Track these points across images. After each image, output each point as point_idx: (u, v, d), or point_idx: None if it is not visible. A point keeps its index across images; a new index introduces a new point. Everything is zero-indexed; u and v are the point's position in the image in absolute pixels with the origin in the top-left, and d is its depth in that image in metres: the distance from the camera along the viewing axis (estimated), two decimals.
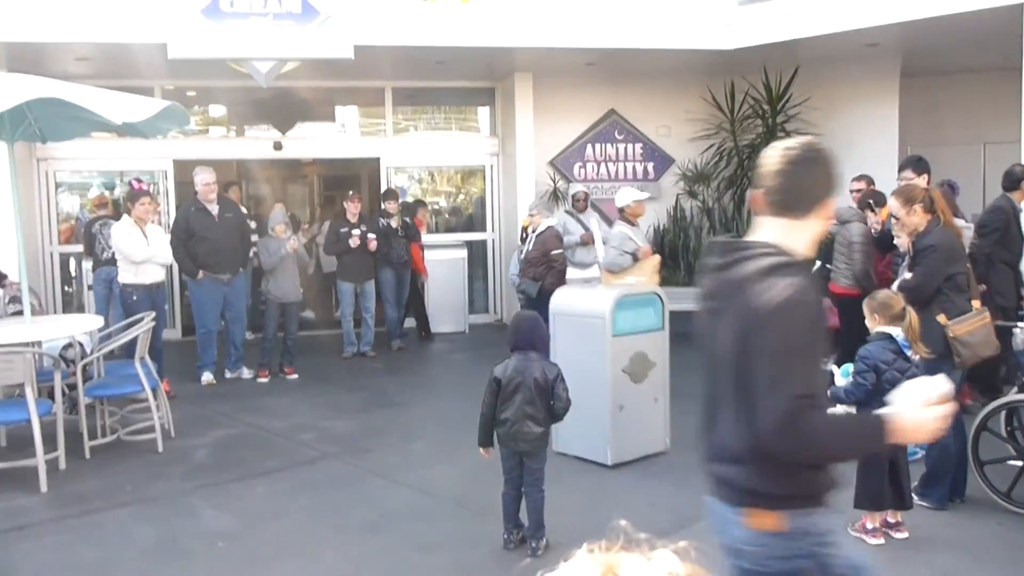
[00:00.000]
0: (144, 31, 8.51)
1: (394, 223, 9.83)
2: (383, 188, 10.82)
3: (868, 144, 10.64)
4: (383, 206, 10.02)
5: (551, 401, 4.35)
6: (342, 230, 9.46)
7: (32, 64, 8.47)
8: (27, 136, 6.70)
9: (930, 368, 4.77)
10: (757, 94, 11.16)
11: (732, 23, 9.83)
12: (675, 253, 11.17)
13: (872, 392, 4.25)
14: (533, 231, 8.39)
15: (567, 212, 9.46)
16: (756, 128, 11.27)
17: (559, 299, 6.19)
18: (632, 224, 7.98)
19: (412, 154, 11.92)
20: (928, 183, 6.92)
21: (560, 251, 8.31)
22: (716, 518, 2.34)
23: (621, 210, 8.02)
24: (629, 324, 5.83)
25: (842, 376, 4.56)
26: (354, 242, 9.30)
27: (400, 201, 10.45)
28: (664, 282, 9.87)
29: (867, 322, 4.51)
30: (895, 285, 5.18)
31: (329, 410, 7.50)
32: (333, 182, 14.20)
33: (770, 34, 9.57)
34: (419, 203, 11.02)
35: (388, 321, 10.12)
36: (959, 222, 6.18)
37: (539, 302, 7.34)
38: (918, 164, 7.01)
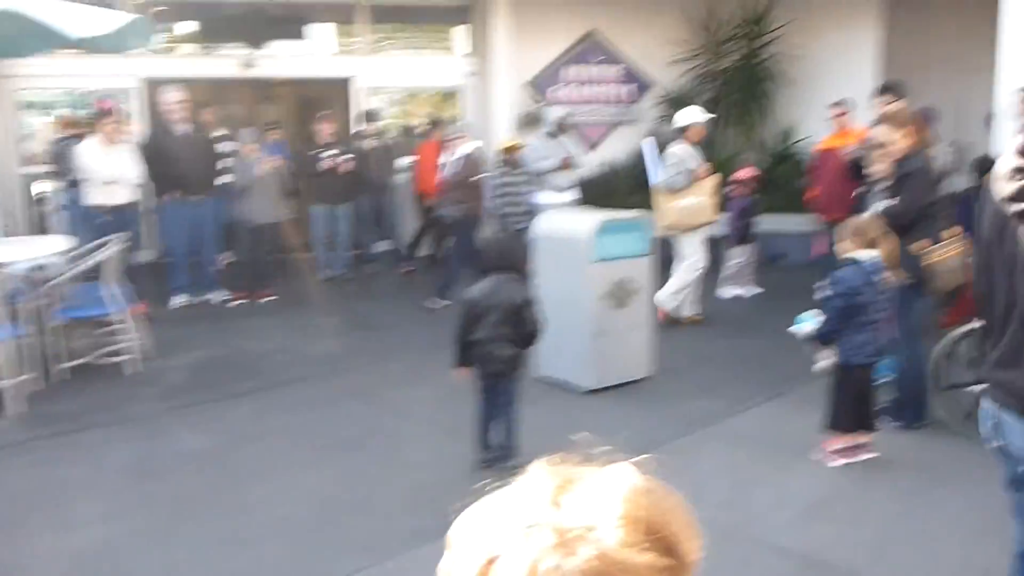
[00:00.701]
0: None
1: (366, 145, 9.67)
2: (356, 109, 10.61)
3: (850, 69, 10.52)
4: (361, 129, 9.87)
5: (524, 323, 4.35)
6: (314, 152, 9.32)
7: None
8: None
9: (903, 295, 4.83)
10: (738, 17, 10.96)
11: None
12: None
13: (848, 315, 4.29)
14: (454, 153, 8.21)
15: (547, 134, 9.31)
16: (737, 51, 11.11)
17: (542, 223, 6.15)
18: (694, 144, 7.64)
19: (386, 75, 11.68)
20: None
21: (480, 176, 8.24)
22: (997, 425, 2.37)
23: (682, 129, 7.67)
24: (612, 250, 5.79)
25: (800, 323, 4.58)
26: (327, 164, 9.17)
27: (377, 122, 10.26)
28: (642, 206, 9.84)
29: (839, 246, 4.52)
30: (877, 209, 5.16)
31: (305, 333, 7.49)
32: (305, 103, 13.90)
33: None
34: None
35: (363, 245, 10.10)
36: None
37: (461, 228, 7.29)
38: (894, 90, 6.97)
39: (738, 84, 10.93)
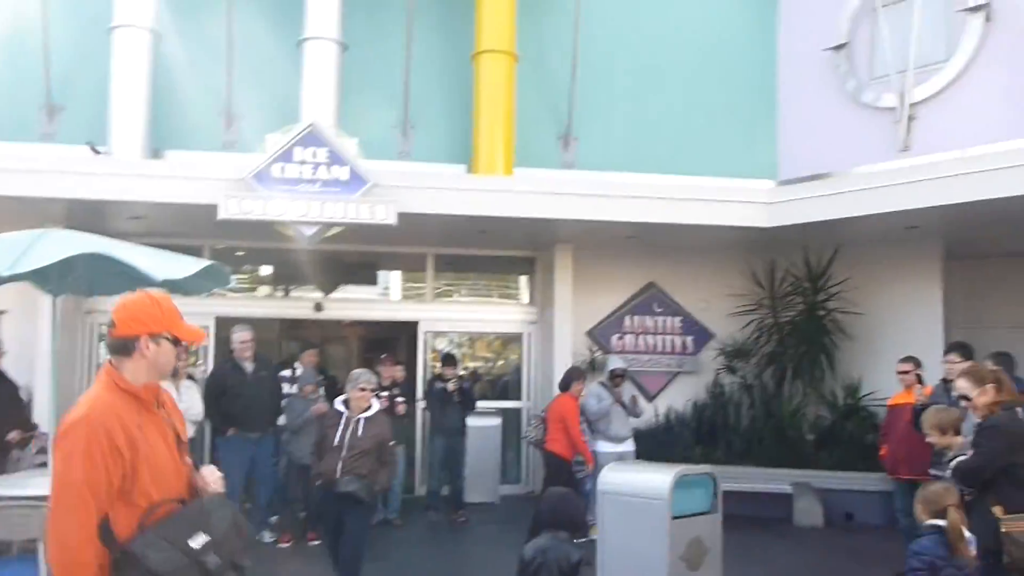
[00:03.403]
0: (198, 192, 8.83)
1: (451, 387, 9.73)
2: (419, 351, 10.79)
3: (911, 325, 10.49)
4: (441, 371, 9.98)
5: None
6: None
7: (89, 221, 8.80)
8: (73, 289, 6.83)
9: (983, 569, 4.47)
10: (797, 271, 11.15)
11: (771, 202, 9.96)
12: (714, 430, 10.89)
13: None
14: (357, 413, 6.33)
15: (600, 384, 9.31)
16: (797, 305, 11.19)
17: (608, 477, 5.93)
18: None
19: (451, 319, 11.99)
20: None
21: (394, 443, 7.00)
22: None
23: None
24: (685, 505, 5.52)
25: None
26: (383, 403, 9.20)
27: (458, 367, 10.38)
28: (703, 459, 9.60)
29: (917, 515, 4.25)
30: (952, 464, 4.91)
31: None
32: (372, 344, 14.28)
33: (808, 214, 9.64)
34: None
35: (429, 490, 9.93)
36: None
37: (368, 508, 6.31)
38: (963, 349, 6.87)
39: (800, 337, 10.91)
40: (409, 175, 9.78)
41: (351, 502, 6.07)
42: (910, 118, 10.09)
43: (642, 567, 5.25)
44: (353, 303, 11.92)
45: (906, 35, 10.11)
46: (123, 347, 2.82)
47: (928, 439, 5.22)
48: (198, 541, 2.66)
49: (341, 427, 6.25)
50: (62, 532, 2.62)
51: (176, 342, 2.89)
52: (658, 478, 5.52)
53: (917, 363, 7.99)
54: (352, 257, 11.42)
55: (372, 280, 12.27)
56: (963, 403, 4.90)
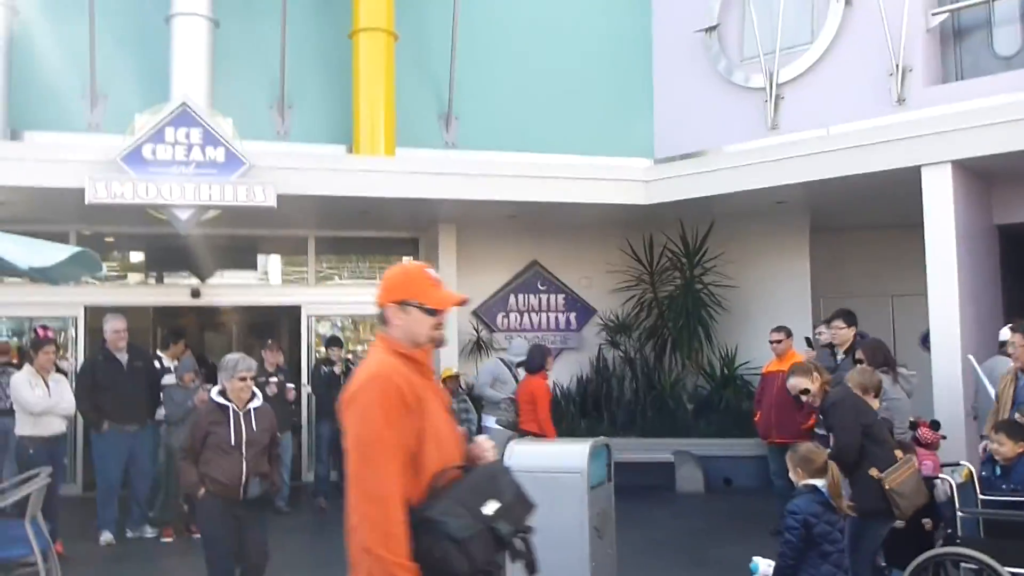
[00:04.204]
0: (62, 176, 8.41)
1: (337, 370, 9.60)
2: (303, 336, 10.62)
3: (782, 296, 10.99)
4: (327, 354, 9.82)
5: None
6: (259, 379, 9.20)
7: None
8: None
9: (859, 525, 4.78)
10: (675, 247, 11.49)
11: (648, 180, 10.24)
12: (598, 403, 11.16)
13: (806, 547, 4.17)
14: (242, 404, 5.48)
15: (502, 360, 9.40)
16: (674, 280, 11.55)
17: (517, 453, 5.93)
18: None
19: (334, 302, 11.83)
20: (855, 335, 7.13)
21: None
22: None
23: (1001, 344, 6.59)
24: (593, 476, 5.52)
25: (755, 570, 4.44)
26: (271, 390, 9.03)
27: (344, 350, 10.24)
28: (588, 432, 9.82)
29: (791, 475, 4.47)
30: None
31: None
32: (253, 330, 13.95)
33: (685, 191, 9.97)
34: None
35: (317, 476, 9.79)
36: (902, 370, 6.33)
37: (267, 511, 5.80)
38: (848, 316, 7.25)
39: (678, 311, 11.27)
40: (288, 156, 9.56)
41: (256, 507, 5.38)
42: (777, 98, 10.50)
43: (562, 539, 5.28)
44: (232, 288, 11.60)
45: (773, 18, 10.50)
46: (381, 317, 2.85)
47: None
48: (490, 508, 2.60)
49: (231, 424, 5.32)
50: (372, 488, 2.52)
51: (431, 311, 2.80)
52: (574, 451, 5.59)
53: (788, 332, 8.38)
54: (230, 241, 11.10)
55: (251, 264, 11.97)
56: (804, 398, 5.17)
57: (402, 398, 2.59)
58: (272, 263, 12.12)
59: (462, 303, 2.99)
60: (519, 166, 10.10)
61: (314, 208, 9.95)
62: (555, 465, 5.49)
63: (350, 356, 10.57)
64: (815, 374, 5.19)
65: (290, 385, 9.20)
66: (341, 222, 11.05)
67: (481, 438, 2.91)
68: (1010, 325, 6.28)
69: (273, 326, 13.20)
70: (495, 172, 9.85)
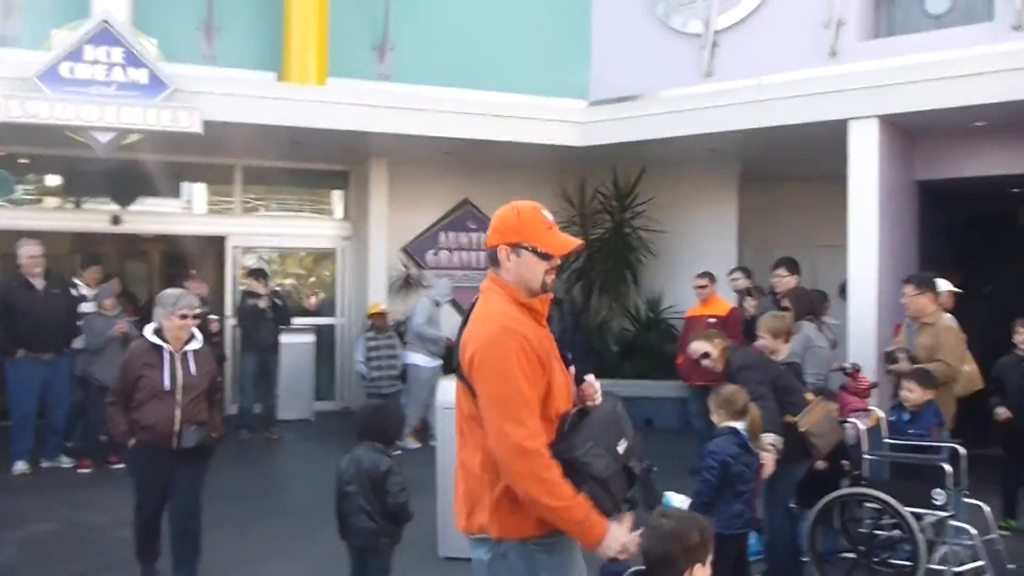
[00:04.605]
0: None
1: (262, 304, 9.45)
2: (227, 268, 10.41)
3: (709, 243, 11.15)
4: (252, 286, 9.65)
5: (387, 496, 4.15)
6: None
7: None
8: None
9: (777, 468, 4.95)
10: (606, 190, 11.54)
11: (583, 121, 10.21)
12: None
13: (721, 487, 4.30)
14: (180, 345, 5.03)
15: (434, 301, 9.41)
16: (605, 223, 11.62)
17: (448, 392, 5.97)
18: None
19: (260, 233, 11.61)
20: (798, 283, 7.29)
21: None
22: None
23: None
24: None
25: (667, 504, 4.53)
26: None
27: (269, 282, 10.07)
28: None
29: (712, 416, 4.59)
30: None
31: None
32: (175, 260, 13.61)
33: (618, 134, 9.99)
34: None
35: (241, 410, 9.69)
36: (827, 320, 6.50)
37: (207, 461, 5.12)
38: (791, 264, 7.39)
39: (607, 254, 11.37)
40: (215, 81, 9.25)
41: (190, 457, 4.91)
42: (714, 45, 10.51)
43: None
44: (154, 216, 11.29)
45: None
46: (491, 257, 2.81)
47: (761, 341, 5.66)
48: (623, 447, 2.68)
49: (166, 367, 4.87)
50: (523, 444, 2.53)
51: (545, 256, 2.75)
52: None
53: (712, 278, 8.54)
54: (153, 167, 10.73)
55: (175, 192, 11.62)
56: (704, 362, 5.22)
57: (535, 352, 2.63)
58: (197, 192, 11.81)
59: (579, 249, 2.94)
60: (454, 102, 9.96)
61: (242, 136, 9.67)
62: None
63: (277, 289, 10.42)
64: (716, 340, 5.21)
65: (213, 317, 9.04)
66: (270, 152, 10.79)
67: (590, 378, 2.96)
68: (905, 278, 6.50)
69: (197, 257, 12.91)
70: (429, 107, 9.70)
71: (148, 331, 4.98)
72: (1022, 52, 7.59)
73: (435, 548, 5.56)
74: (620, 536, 2.57)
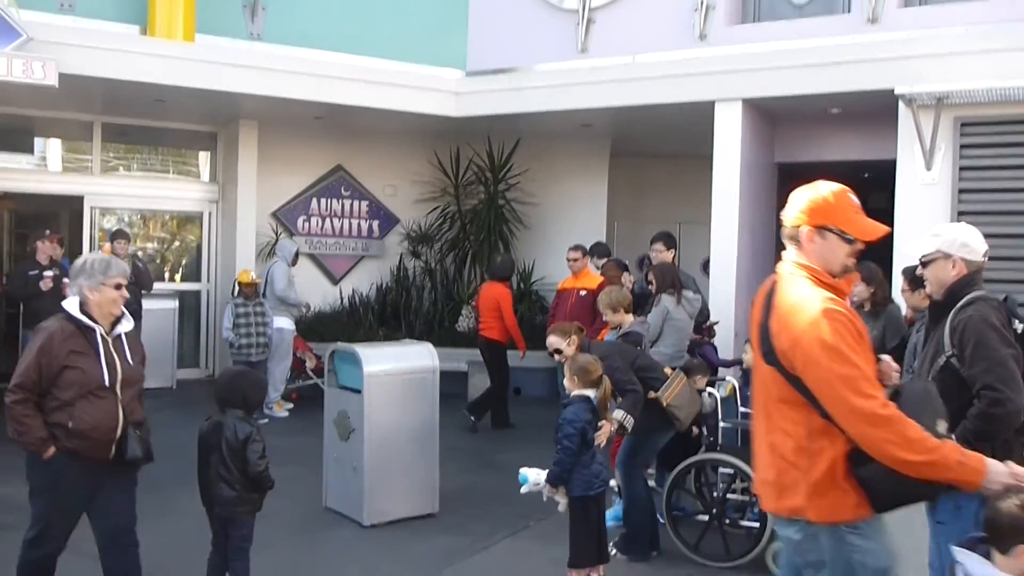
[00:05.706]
0: None
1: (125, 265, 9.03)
2: (85, 228, 9.93)
3: (580, 216, 11.39)
4: (112, 248, 9.21)
5: (248, 464, 4.10)
6: (31, 272, 8.57)
7: None
8: None
9: (640, 438, 5.18)
10: (481, 161, 11.59)
11: (459, 92, 10.20)
12: (396, 311, 11.24)
13: (579, 451, 4.44)
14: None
15: (286, 261, 9.31)
16: (479, 194, 11.68)
17: (370, 359, 5.94)
18: None
19: (121, 194, 11.11)
20: (674, 258, 7.50)
21: None
22: None
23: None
24: (347, 379, 5.96)
25: (525, 481, 4.62)
26: (46, 284, 8.44)
27: (130, 244, 9.65)
28: (386, 340, 9.89)
29: (566, 383, 4.71)
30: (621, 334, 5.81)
31: (9, 474, 6.64)
32: (28, 220, 12.88)
33: (494, 106, 10.04)
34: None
35: None
36: (687, 293, 6.73)
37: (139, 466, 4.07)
38: (668, 239, 7.58)
39: (480, 225, 11.45)
40: (73, 31, 8.75)
41: (124, 467, 3.90)
42: (589, 21, 10.63)
43: (415, 434, 5.92)
44: (5, 172, 10.64)
45: None
46: (792, 236, 2.80)
47: (603, 317, 5.91)
48: (942, 427, 2.69)
49: (101, 355, 3.79)
50: (877, 413, 2.55)
51: (850, 240, 2.70)
52: (421, 354, 6.11)
53: (584, 251, 8.74)
54: (4, 120, 10.12)
55: (28, 148, 10.98)
56: (557, 357, 5.24)
57: (857, 329, 2.65)
58: (52, 148, 11.19)
59: (887, 235, 2.88)
60: (327, 65, 9.77)
61: (101, 91, 9.22)
62: (408, 368, 5.99)
63: (139, 253, 10.02)
64: (573, 336, 5.20)
65: (67, 280, 8.61)
66: (132, 109, 10.32)
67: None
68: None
69: (52, 217, 12.26)
70: (302, 70, 9.48)
71: (71, 306, 3.83)
72: (875, 44, 8.01)
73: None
74: (999, 467, 2.60)
